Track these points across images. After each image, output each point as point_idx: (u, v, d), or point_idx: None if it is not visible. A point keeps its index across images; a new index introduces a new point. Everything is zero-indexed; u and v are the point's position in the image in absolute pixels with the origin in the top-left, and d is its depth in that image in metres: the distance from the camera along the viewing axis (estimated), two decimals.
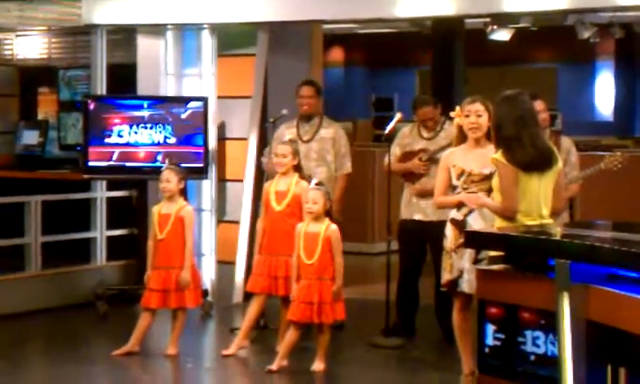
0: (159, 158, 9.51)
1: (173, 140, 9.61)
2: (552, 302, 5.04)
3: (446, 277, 6.94)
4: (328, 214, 7.64)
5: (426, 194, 8.17)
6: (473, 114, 6.88)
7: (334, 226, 7.57)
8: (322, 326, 7.52)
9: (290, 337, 7.55)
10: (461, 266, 6.83)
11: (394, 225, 8.60)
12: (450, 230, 6.92)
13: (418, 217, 8.44)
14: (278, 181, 8.01)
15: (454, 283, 6.88)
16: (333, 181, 8.75)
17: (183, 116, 9.63)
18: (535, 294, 5.25)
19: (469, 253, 6.74)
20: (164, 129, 9.61)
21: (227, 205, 10.27)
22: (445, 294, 7.16)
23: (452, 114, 7.11)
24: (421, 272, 8.63)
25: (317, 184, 7.67)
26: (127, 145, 9.61)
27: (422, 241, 8.46)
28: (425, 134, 8.55)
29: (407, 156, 8.52)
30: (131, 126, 9.61)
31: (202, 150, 9.59)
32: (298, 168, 8.01)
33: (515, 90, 6.38)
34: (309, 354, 7.65)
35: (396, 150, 8.58)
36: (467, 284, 6.78)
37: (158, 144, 9.61)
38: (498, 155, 6.19)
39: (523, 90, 6.41)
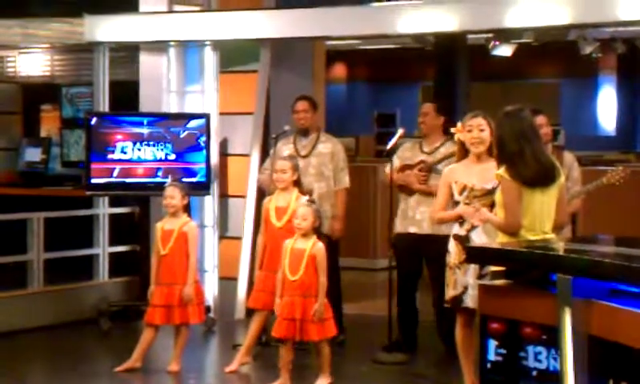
0: (160, 174, 9.53)
1: (173, 156, 9.61)
2: (554, 317, 5.02)
3: (450, 293, 6.92)
4: (317, 231, 7.57)
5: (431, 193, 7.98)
6: (475, 128, 6.88)
7: (320, 244, 7.46)
8: (317, 343, 7.44)
9: (284, 356, 7.46)
10: (465, 282, 6.82)
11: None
12: (453, 246, 6.91)
13: (412, 230, 8.40)
14: (278, 197, 7.99)
15: (459, 299, 6.88)
16: (333, 196, 8.78)
17: (183, 133, 9.63)
18: (537, 309, 5.24)
19: (473, 268, 6.74)
20: (165, 146, 9.62)
21: (229, 221, 10.27)
22: (446, 310, 7.13)
23: (453, 130, 7.10)
24: (417, 287, 8.59)
25: (309, 200, 7.61)
26: (129, 161, 9.62)
27: (417, 255, 8.44)
28: (425, 148, 8.57)
29: (404, 169, 8.53)
30: (134, 143, 9.62)
31: (203, 166, 9.61)
32: (297, 183, 8.02)
33: (516, 105, 6.38)
34: (311, 371, 7.64)
35: (395, 161, 8.59)
36: (471, 299, 6.77)
37: (160, 160, 9.62)
38: (502, 171, 6.19)
39: (524, 106, 6.41)
